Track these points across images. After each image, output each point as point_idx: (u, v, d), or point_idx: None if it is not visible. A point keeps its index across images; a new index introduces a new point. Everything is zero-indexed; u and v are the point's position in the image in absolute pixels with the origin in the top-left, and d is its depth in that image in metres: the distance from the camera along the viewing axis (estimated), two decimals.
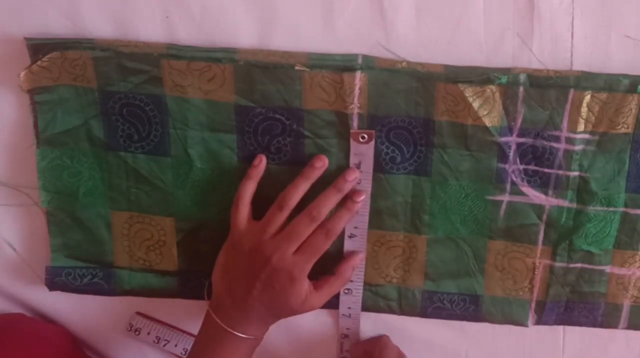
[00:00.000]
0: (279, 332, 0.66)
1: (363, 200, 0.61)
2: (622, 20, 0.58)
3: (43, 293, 0.66)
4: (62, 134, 0.62)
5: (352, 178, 0.61)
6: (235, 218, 0.61)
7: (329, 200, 0.60)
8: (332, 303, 0.66)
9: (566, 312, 0.66)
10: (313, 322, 0.68)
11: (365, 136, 0.60)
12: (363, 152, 0.61)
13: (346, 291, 0.66)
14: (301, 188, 0.60)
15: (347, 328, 0.67)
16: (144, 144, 0.62)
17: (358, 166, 0.61)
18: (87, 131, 0.62)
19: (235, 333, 0.59)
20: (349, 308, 0.67)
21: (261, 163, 0.61)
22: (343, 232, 0.63)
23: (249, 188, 0.61)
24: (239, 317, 0.60)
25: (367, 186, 0.62)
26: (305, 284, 0.60)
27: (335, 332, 0.68)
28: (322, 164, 0.61)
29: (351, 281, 0.65)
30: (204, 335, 0.61)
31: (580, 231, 0.62)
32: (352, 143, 0.61)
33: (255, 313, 0.60)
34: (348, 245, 0.64)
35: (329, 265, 0.63)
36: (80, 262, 0.65)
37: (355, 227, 0.63)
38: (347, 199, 0.61)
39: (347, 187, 0.61)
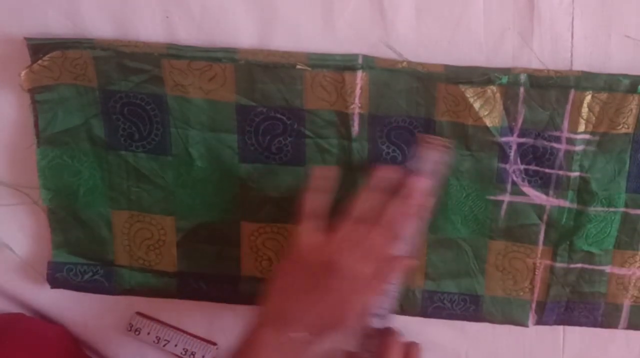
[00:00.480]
0: None
1: (429, 206, 0.59)
2: (622, 20, 0.58)
3: (43, 292, 0.67)
4: (63, 133, 0.62)
5: (422, 185, 0.57)
6: (303, 232, 0.56)
7: (400, 209, 0.56)
8: None
9: (566, 312, 0.66)
10: None
11: (440, 144, 0.59)
12: (429, 156, 0.59)
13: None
14: (370, 199, 0.56)
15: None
16: (144, 143, 0.62)
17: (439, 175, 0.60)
18: (87, 130, 0.62)
19: None
20: (383, 308, 0.65)
21: (335, 174, 0.58)
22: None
23: (322, 201, 0.57)
24: (279, 341, 0.53)
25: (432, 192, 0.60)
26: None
27: None
28: (387, 174, 0.57)
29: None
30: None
31: (580, 231, 0.62)
32: (419, 147, 0.60)
33: (313, 332, 0.54)
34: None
35: None
36: (82, 259, 0.65)
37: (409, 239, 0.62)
38: (413, 205, 0.57)
39: (418, 195, 0.57)
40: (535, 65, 0.59)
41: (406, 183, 0.57)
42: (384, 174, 0.57)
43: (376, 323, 0.59)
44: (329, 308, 0.53)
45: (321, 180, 0.58)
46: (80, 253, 0.65)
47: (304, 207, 0.57)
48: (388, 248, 0.55)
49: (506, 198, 0.62)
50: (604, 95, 0.59)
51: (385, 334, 0.61)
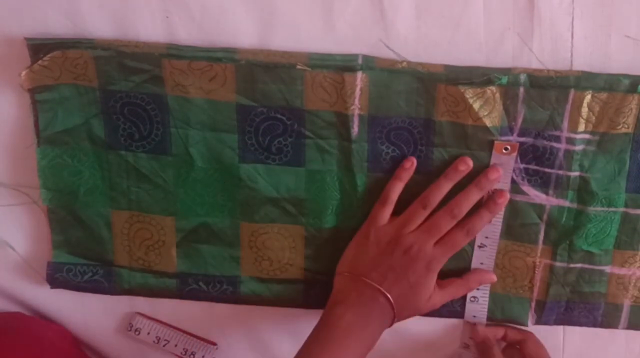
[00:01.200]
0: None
1: (504, 201, 0.61)
2: (622, 20, 0.58)
3: (43, 292, 0.66)
4: (63, 133, 0.62)
5: (495, 176, 0.60)
6: (376, 214, 0.62)
7: (470, 198, 0.60)
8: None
9: (566, 312, 0.66)
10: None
11: (509, 147, 0.60)
12: (504, 163, 0.60)
13: (472, 299, 0.65)
14: (444, 188, 0.61)
15: (470, 338, 0.67)
16: (145, 143, 0.62)
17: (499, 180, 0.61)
18: (87, 130, 0.62)
19: (352, 333, 0.58)
20: (474, 316, 0.66)
21: (412, 165, 0.61)
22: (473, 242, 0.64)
23: (396, 188, 0.61)
24: (361, 313, 0.59)
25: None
26: (435, 279, 0.61)
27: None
28: (465, 167, 0.60)
29: (477, 290, 0.65)
30: (324, 328, 0.59)
31: (580, 231, 0.62)
32: (494, 154, 0.60)
33: (377, 311, 0.59)
34: (477, 255, 0.64)
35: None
36: (82, 259, 0.65)
37: (486, 237, 0.63)
38: (489, 199, 0.61)
39: (489, 186, 0.61)
40: (535, 65, 0.59)
41: (482, 176, 0.60)
42: (460, 166, 0.61)
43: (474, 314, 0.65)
44: (400, 282, 0.60)
45: (404, 170, 0.61)
46: (80, 254, 0.65)
47: (384, 193, 0.62)
48: (457, 234, 0.61)
49: None
50: (604, 95, 0.59)
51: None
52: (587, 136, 0.60)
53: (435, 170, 0.61)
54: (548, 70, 0.59)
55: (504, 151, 0.60)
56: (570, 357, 0.68)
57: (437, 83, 0.59)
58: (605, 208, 0.62)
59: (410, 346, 0.68)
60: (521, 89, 0.59)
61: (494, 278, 0.64)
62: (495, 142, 0.60)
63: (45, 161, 0.62)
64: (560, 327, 0.67)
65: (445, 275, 0.64)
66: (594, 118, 0.59)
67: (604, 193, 0.61)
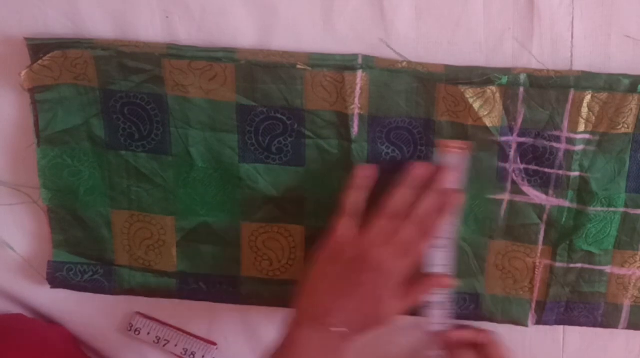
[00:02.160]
0: None
1: (460, 200, 0.60)
2: (622, 20, 0.58)
3: (43, 292, 0.67)
4: (63, 133, 0.62)
5: (452, 178, 0.59)
6: (340, 228, 0.58)
7: (431, 203, 0.58)
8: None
9: (566, 312, 0.66)
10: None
11: (459, 148, 0.60)
12: (456, 163, 0.60)
13: (434, 304, 0.64)
14: (405, 196, 0.58)
15: (435, 343, 0.65)
16: (145, 143, 0.62)
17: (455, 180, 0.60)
18: (88, 130, 0.62)
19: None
20: (438, 321, 0.64)
21: (372, 172, 0.60)
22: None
23: (358, 199, 0.59)
24: (319, 337, 0.56)
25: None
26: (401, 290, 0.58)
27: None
28: (422, 172, 0.59)
29: (439, 294, 0.63)
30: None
31: (580, 231, 0.62)
32: (447, 154, 0.60)
33: (337, 329, 0.56)
34: (435, 257, 0.62)
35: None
36: (82, 258, 0.65)
37: (443, 238, 0.62)
38: (445, 200, 0.59)
39: (444, 188, 0.59)
40: (535, 65, 0.59)
41: (437, 179, 0.59)
42: (417, 171, 0.59)
43: (436, 317, 0.63)
44: (365, 302, 0.56)
45: (361, 179, 0.59)
46: (81, 253, 0.65)
47: (343, 204, 0.59)
48: (420, 242, 0.57)
49: (506, 197, 0.62)
50: (603, 95, 0.59)
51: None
52: (587, 136, 0.60)
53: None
54: (548, 70, 0.59)
55: (454, 151, 0.60)
56: (570, 357, 0.68)
57: (437, 83, 0.59)
58: (605, 209, 0.62)
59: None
60: (521, 89, 0.59)
61: (452, 282, 0.62)
62: (442, 141, 0.60)
63: (45, 161, 0.62)
64: (560, 327, 0.67)
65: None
66: (593, 118, 0.59)
67: (604, 193, 0.61)
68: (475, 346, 0.65)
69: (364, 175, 0.60)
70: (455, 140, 0.60)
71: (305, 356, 0.56)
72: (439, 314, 0.64)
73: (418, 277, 0.60)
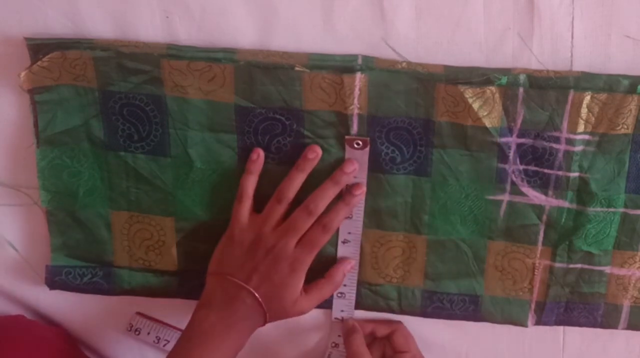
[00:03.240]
0: (276, 330, 0.66)
1: (361, 194, 0.62)
2: (622, 20, 0.58)
3: (43, 293, 0.67)
4: (62, 134, 0.62)
5: (350, 170, 0.61)
6: (236, 212, 0.62)
7: (326, 193, 0.61)
8: (328, 304, 0.66)
9: (566, 313, 0.66)
10: (309, 323, 0.68)
11: (360, 143, 0.60)
12: (358, 158, 0.61)
13: (339, 295, 0.66)
14: (297, 180, 0.61)
15: (339, 335, 0.67)
16: (144, 144, 0.62)
17: (355, 175, 0.61)
18: (87, 131, 0.62)
19: (215, 334, 0.58)
20: (342, 311, 0.67)
21: (259, 157, 0.61)
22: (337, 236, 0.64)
23: (250, 183, 0.61)
24: (225, 315, 0.59)
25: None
26: (302, 281, 0.60)
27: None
28: (315, 155, 0.61)
29: (344, 285, 0.65)
30: (188, 332, 0.59)
31: (580, 232, 0.62)
32: (347, 149, 0.61)
33: (243, 310, 0.59)
34: (342, 251, 0.64)
35: (322, 269, 0.64)
36: (80, 261, 0.65)
37: (349, 233, 0.64)
38: (346, 193, 0.61)
39: (345, 180, 0.61)
40: (534, 65, 0.59)
41: (337, 169, 0.61)
42: (312, 156, 0.61)
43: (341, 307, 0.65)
44: (261, 268, 0.59)
45: (252, 163, 0.61)
46: (79, 256, 0.65)
47: (239, 189, 0.62)
48: (307, 224, 0.60)
49: (505, 198, 0.62)
50: (603, 96, 0.58)
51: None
52: (586, 137, 0.60)
53: (435, 171, 0.62)
54: (547, 71, 0.59)
55: (355, 146, 0.60)
56: (570, 357, 0.68)
57: (436, 83, 0.59)
58: (605, 209, 0.62)
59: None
60: (521, 90, 0.59)
61: (353, 262, 0.64)
62: (346, 137, 0.60)
63: (44, 162, 0.62)
64: (561, 328, 0.67)
65: (444, 275, 0.65)
66: (593, 119, 0.59)
67: (603, 193, 0.61)
68: (380, 338, 0.67)
69: (254, 158, 0.61)
70: (360, 136, 0.60)
71: (209, 298, 0.60)
72: (344, 305, 0.66)
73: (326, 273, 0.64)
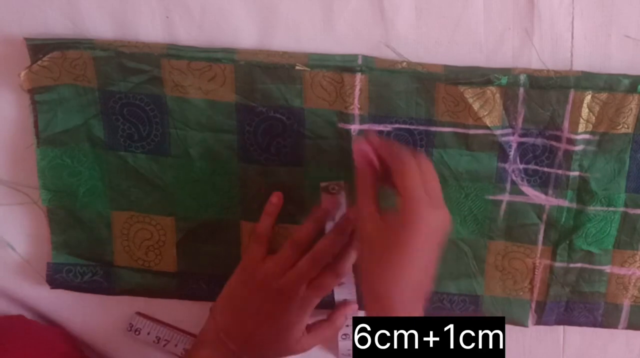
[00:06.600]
0: None
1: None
2: (622, 20, 0.58)
3: (43, 293, 0.66)
4: (62, 134, 0.62)
5: (354, 216, 0.59)
6: (252, 252, 0.62)
7: (333, 244, 0.60)
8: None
9: (566, 312, 0.66)
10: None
11: (336, 187, 0.61)
12: (337, 202, 0.61)
13: (344, 337, 0.66)
14: (312, 229, 0.61)
15: (347, 326, 0.67)
16: (144, 144, 0.62)
17: (333, 218, 0.61)
18: (87, 131, 0.62)
19: None
20: (349, 349, 0.67)
21: (279, 200, 0.62)
22: None
23: (267, 224, 0.62)
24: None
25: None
26: (307, 321, 0.61)
27: None
28: (333, 207, 0.61)
29: (347, 326, 0.65)
30: None
31: (580, 231, 0.62)
32: (324, 195, 0.61)
33: (249, 351, 0.60)
34: (338, 294, 0.65)
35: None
36: (81, 260, 0.65)
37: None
38: (351, 237, 0.61)
39: (349, 227, 0.60)
40: (535, 65, 0.59)
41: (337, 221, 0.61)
42: (331, 207, 0.61)
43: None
44: (271, 330, 0.60)
45: (271, 206, 0.62)
46: (80, 255, 0.65)
47: (256, 229, 0.62)
48: (317, 271, 0.60)
49: (505, 198, 0.62)
50: (603, 95, 0.59)
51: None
52: (587, 136, 0.60)
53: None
54: (548, 71, 0.59)
55: (331, 191, 0.61)
56: (570, 357, 0.68)
57: (436, 83, 0.59)
58: (605, 208, 0.62)
59: None
60: (521, 90, 0.59)
61: (355, 307, 0.65)
62: (321, 184, 0.61)
63: (45, 162, 0.62)
64: (561, 327, 0.67)
65: (444, 276, 0.65)
66: (593, 118, 0.59)
67: (603, 193, 0.61)
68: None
69: (274, 202, 0.62)
70: (333, 181, 0.61)
71: (204, 342, 0.61)
72: (350, 346, 0.66)
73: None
